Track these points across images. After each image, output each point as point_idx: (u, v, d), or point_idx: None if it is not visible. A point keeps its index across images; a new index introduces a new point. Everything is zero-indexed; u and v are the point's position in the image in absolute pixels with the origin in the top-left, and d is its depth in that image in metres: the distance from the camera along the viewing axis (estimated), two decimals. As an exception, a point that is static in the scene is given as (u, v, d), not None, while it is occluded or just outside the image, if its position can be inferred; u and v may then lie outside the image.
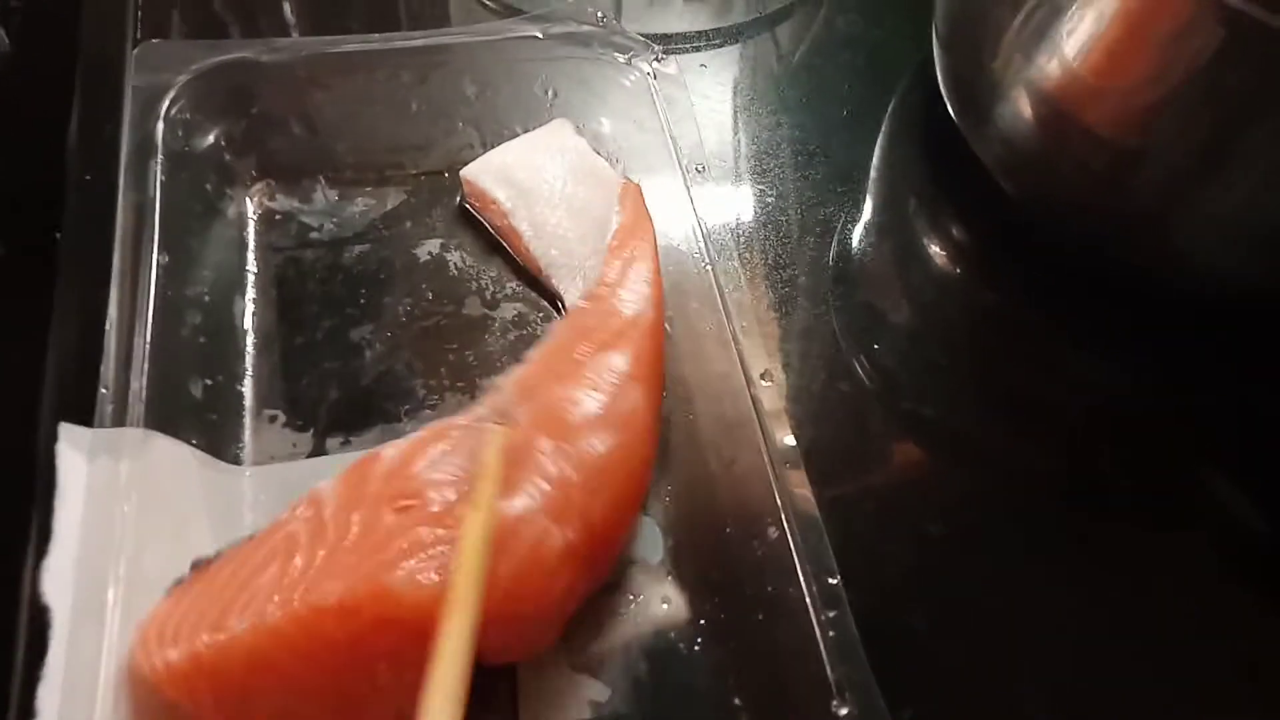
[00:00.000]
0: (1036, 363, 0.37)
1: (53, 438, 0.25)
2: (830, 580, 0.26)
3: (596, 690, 0.27)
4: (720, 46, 0.46)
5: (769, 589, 0.27)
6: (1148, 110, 0.31)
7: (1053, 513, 0.32)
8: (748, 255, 0.37)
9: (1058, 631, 0.29)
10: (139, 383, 0.27)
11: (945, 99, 0.40)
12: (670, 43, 0.46)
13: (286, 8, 0.44)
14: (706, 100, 0.43)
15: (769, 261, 0.37)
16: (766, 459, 0.28)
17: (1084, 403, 0.35)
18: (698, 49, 0.46)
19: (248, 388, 0.31)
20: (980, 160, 0.39)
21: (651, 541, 0.29)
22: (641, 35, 0.38)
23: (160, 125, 0.32)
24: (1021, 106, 0.35)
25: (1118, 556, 0.31)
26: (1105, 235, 0.36)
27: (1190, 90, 0.30)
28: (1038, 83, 0.34)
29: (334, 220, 0.36)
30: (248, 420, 0.31)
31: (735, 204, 0.39)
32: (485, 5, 0.45)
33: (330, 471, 0.30)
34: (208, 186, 0.34)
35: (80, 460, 0.25)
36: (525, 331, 0.34)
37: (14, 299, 0.32)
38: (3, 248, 0.34)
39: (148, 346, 0.28)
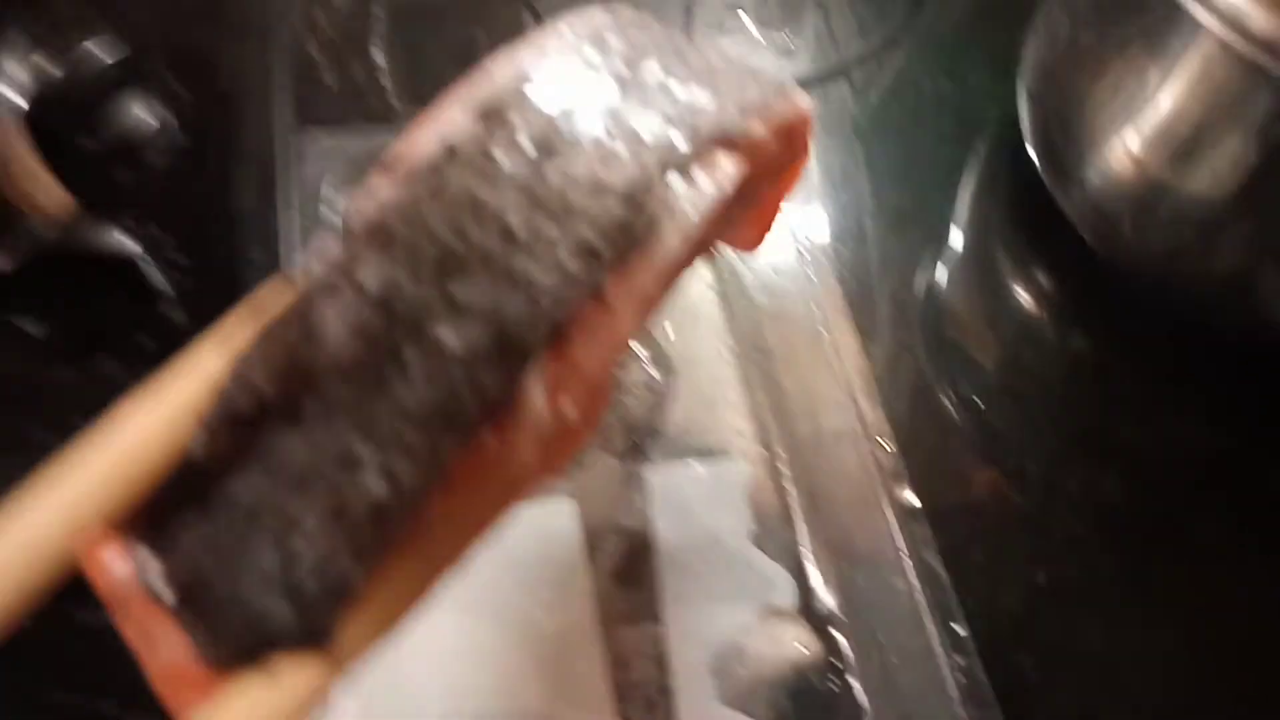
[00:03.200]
0: (1128, 410, 0.39)
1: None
2: (957, 629, 0.29)
3: (747, 724, 0.30)
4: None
5: (900, 635, 0.30)
6: (1238, 182, 0.34)
7: (1149, 557, 0.35)
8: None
9: (1160, 674, 0.32)
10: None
11: (1031, 152, 0.43)
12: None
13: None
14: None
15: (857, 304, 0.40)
16: (892, 517, 0.31)
17: (1173, 452, 0.38)
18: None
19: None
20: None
21: (784, 589, 0.33)
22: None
23: (325, 209, 0.36)
24: (1108, 166, 0.37)
25: (1213, 603, 0.34)
26: (1190, 298, 0.38)
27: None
28: (1126, 145, 0.36)
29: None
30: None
31: (824, 232, 0.42)
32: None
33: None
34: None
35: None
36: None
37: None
38: (186, 322, 0.38)
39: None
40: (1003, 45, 0.45)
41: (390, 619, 0.16)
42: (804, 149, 0.22)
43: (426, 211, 0.16)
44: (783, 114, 0.20)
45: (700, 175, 0.18)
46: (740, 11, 0.54)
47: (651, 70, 0.19)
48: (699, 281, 0.39)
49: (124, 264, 0.37)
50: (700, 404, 0.36)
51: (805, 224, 0.42)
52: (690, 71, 0.20)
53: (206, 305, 0.38)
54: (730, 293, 0.39)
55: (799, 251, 0.37)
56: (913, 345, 0.40)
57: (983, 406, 0.38)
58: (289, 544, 0.15)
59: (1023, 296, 0.42)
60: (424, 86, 0.51)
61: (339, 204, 0.36)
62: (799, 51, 0.52)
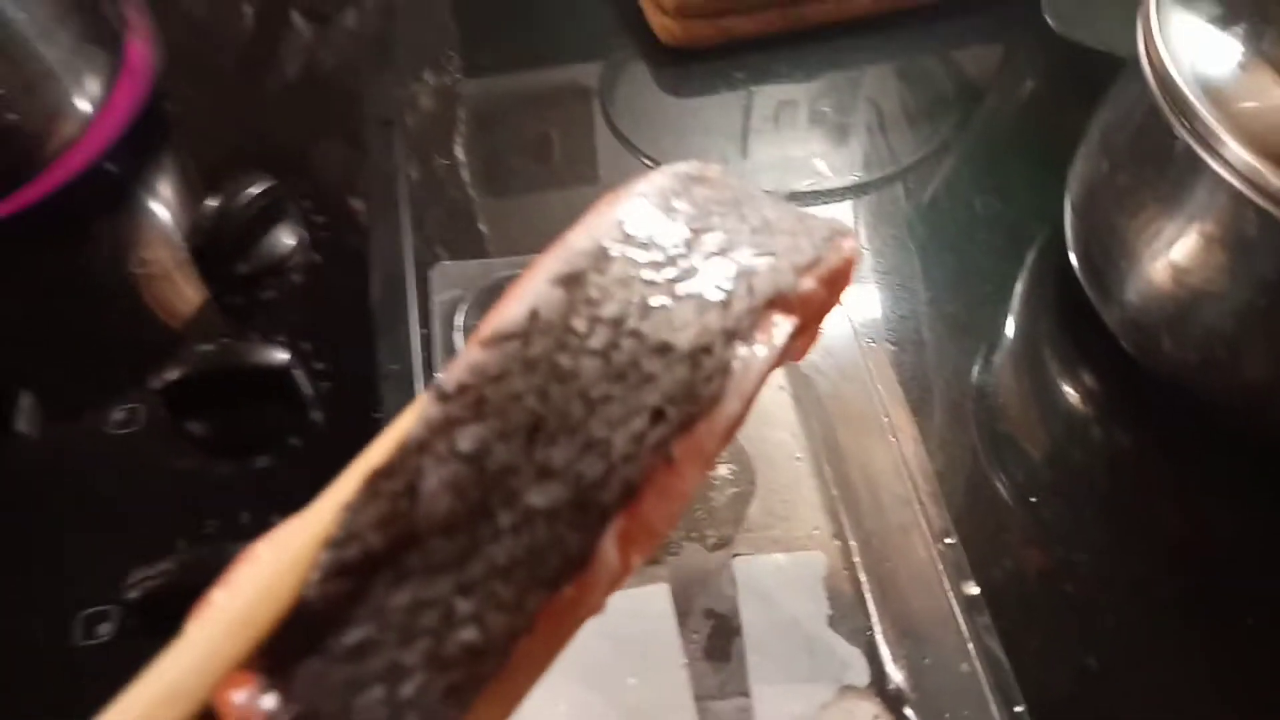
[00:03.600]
0: (1170, 504, 0.43)
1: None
2: (1016, 709, 0.33)
3: (829, 792, 0.34)
4: (842, 200, 0.55)
5: (965, 713, 0.34)
6: (1259, 307, 0.37)
7: (1193, 641, 0.39)
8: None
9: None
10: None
11: (1075, 268, 0.47)
12: (801, 200, 0.54)
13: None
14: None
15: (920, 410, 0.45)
16: (955, 604, 0.35)
17: (1214, 544, 0.42)
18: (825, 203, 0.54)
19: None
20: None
21: (858, 669, 0.37)
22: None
23: (458, 335, 0.42)
24: (1144, 287, 0.41)
25: (1258, 685, 0.37)
26: (1221, 404, 0.42)
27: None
28: (1160, 270, 0.40)
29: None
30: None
31: (885, 337, 0.46)
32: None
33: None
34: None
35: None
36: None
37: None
38: (329, 425, 0.43)
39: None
40: (1048, 152, 0.50)
41: None
42: (849, 281, 0.24)
43: (515, 379, 0.18)
44: (832, 265, 0.23)
45: (758, 338, 0.20)
46: (795, 110, 0.60)
47: (714, 233, 0.21)
48: (773, 386, 0.44)
49: (276, 373, 0.43)
50: (779, 501, 0.41)
51: (869, 329, 0.46)
52: (749, 230, 0.22)
53: (346, 409, 0.43)
54: (802, 397, 0.44)
55: (864, 356, 0.42)
56: (969, 441, 0.44)
57: (1034, 499, 0.42)
58: (394, 685, 0.17)
59: (1070, 397, 0.46)
60: (498, 180, 0.57)
61: (467, 326, 0.42)
62: (852, 152, 0.58)
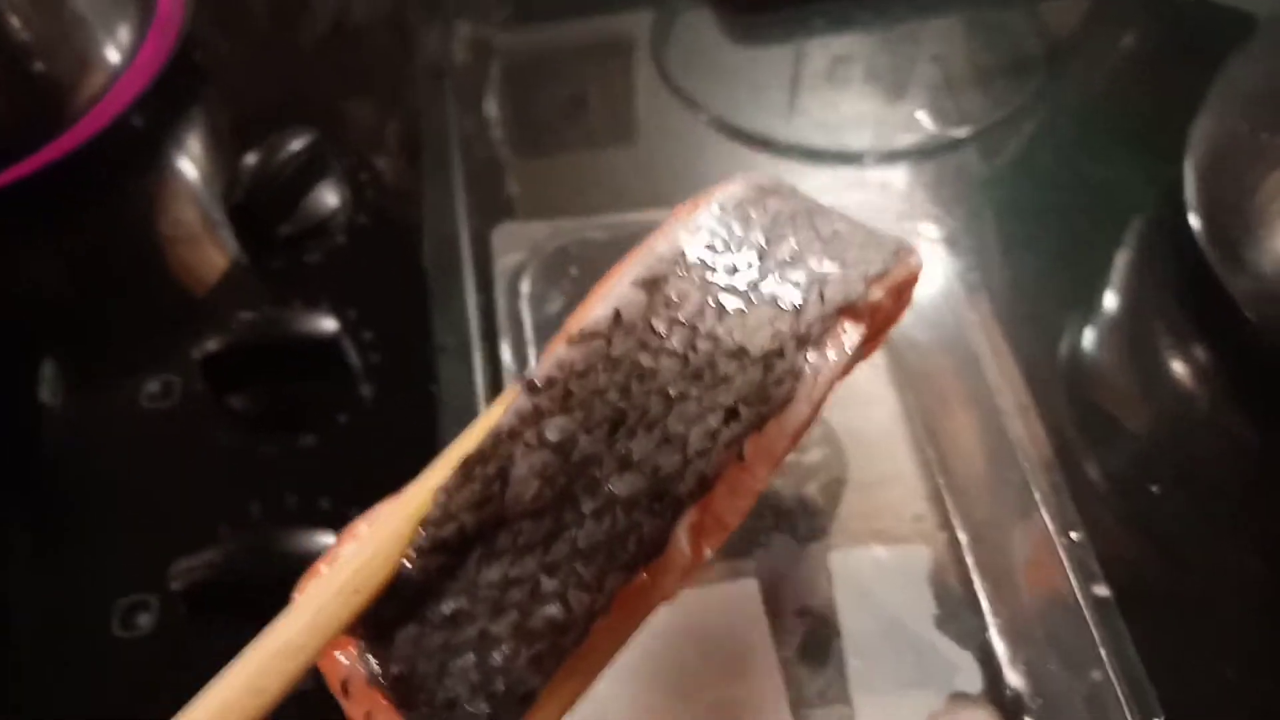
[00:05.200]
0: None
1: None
2: (1158, 724, 0.29)
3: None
4: (932, 158, 0.50)
5: (1099, 728, 0.30)
6: None
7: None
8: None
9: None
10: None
11: (1197, 226, 0.43)
12: (895, 158, 0.50)
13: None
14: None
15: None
16: (1083, 604, 0.32)
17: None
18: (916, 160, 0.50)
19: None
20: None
21: (970, 673, 0.33)
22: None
23: (524, 303, 0.38)
24: (1281, 253, 0.38)
25: None
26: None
27: None
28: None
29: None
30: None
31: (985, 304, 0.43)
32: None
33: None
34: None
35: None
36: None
37: (402, 443, 0.38)
38: (379, 401, 0.40)
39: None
40: (1156, 111, 0.46)
41: (558, 715, 0.19)
42: (911, 295, 0.26)
43: (599, 375, 0.19)
44: (899, 277, 0.23)
45: (828, 344, 0.21)
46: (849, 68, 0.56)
47: (787, 241, 0.22)
48: (868, 364, 0.40)
49: (323, 344, 0.40)
50: (878, 487, 0.37)
51: (971, 297, 0.42)
52: (820, 240, 0.23)
53: (398, 383, 0.40)
54: (898, 371, 0.40)
55: (971, 329, 0.38)
56: (1075, 421, 0.40)
57: (1155, 489, 0.38)
58: (484, 652, 0.18)
59: (1186, 377, 0.42)
60: (531, 140, 0.52)
61: (532, 295, 0.38)
62: (955, 103, 0.53)
